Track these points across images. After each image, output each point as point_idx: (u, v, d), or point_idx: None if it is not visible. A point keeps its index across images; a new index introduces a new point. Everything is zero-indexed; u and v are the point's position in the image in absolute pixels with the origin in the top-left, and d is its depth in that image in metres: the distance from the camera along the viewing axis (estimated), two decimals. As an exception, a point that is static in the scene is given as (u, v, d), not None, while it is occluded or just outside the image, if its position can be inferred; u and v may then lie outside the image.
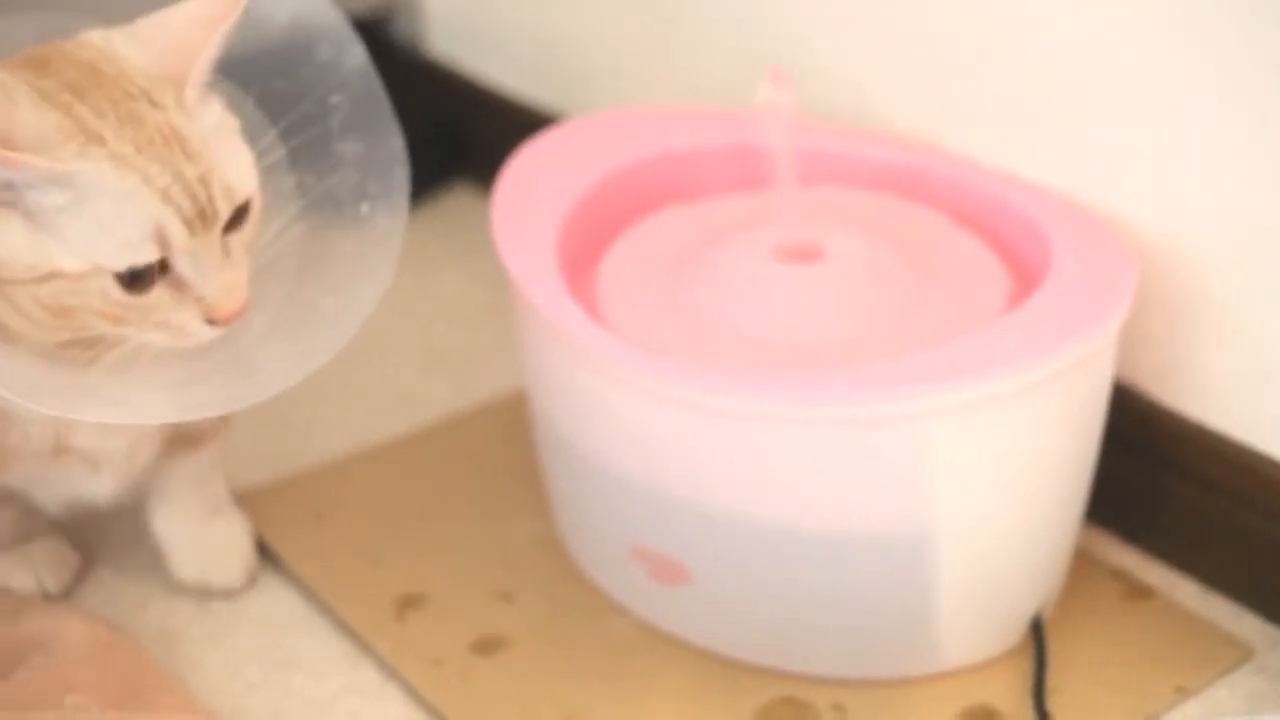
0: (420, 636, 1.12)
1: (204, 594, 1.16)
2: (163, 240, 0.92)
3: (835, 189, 1.16)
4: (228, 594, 1.16)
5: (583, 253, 1.13)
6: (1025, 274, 1.09)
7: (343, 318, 1.03)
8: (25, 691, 1.03)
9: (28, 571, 1.14)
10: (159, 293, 0.94)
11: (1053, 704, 1.05)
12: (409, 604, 1.14)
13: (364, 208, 1.06)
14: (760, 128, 1.11)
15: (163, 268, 0.93)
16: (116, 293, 0.93)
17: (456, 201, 1.59)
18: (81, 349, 0.96)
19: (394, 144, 1.06)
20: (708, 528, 1.04)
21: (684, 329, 1.06)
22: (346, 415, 1.33)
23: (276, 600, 1.16)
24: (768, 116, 1.09)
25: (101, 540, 1.20)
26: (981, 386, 0.97)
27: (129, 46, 0.97)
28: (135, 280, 0.93)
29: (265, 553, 1.19)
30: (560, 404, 1.09)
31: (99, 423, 1.01)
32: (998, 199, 1.13)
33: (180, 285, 0.94)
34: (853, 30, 1.24)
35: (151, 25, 0.97)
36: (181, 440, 1.12)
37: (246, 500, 1.22)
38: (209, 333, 0.96)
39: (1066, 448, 1.05)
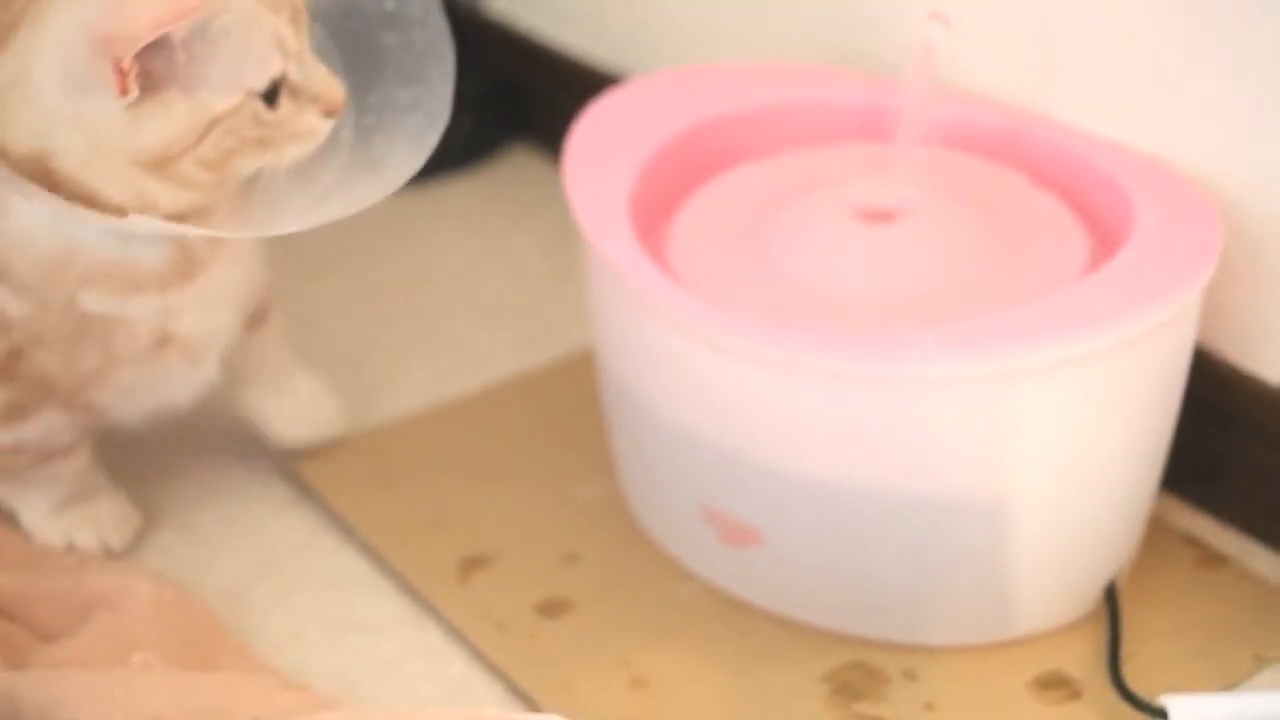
0: (484, 598, 1.11)
1: (316, 446, 1.21)
2: (283, 48, 0.96)
3: (916, 147, 1.14)
4: (335, 441, 1.22)
5: (657, 211, 1.12)
6: (1107, 234, 1.08)
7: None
8: (91, 648, 1.02)
9: (92, 529, 1.13)
10: (285, 103, 0.97)
11: (1127, 671, 1.03)
12: (473, 565, 1.13)
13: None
14: (852, 81, 1.09)
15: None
16: (265, 112, 0.96)
17: (518, 163, 1.58)
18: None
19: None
20: (782, 489, 1.03)
21: (759, 286, 1.05)
22: (410, 375, 1.32)
23: (340, 561, 1.15)
24: (920, 60, 1.06)
25: (164, 499, 1.19)
26: (1065, 347, 0.96)
27: None
28: (271, 96, 0.96)
29: (329, 514, 1.18)
30: (631, 362, 1.08)
31: (201, 302, 1.05)
32: (1079, 158, 1.11)
33: (295, 90, 0.98)
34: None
35: None
36: (253, 321, 1.14)
37: (308, 460, 1.21)
38: (327, 126, 1.00)
39: (1147, 411, 1.03)
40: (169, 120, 0.94)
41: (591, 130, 1.15)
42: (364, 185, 1.00)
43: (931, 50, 1.05)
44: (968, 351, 0.96)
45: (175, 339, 1.06)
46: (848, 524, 1.02)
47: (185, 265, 1.04)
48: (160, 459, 1.21)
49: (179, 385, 1.11)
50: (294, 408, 1.20)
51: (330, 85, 0.99)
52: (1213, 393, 1.11)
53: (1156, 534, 1.12)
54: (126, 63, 0.91)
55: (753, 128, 1.17)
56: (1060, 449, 1.00)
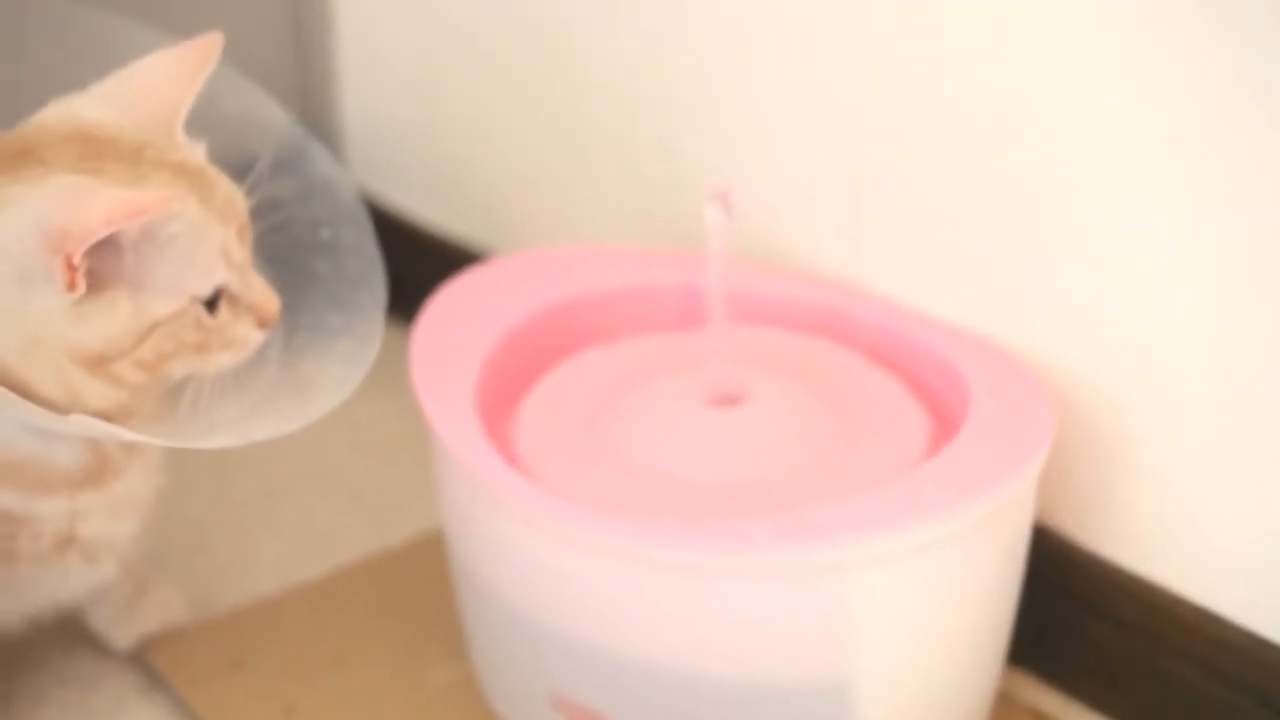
0: (336, 788, 1.10)
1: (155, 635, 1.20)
2: (228, 259, 0.98)
3: (755, 328, 1.16)
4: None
5: (503, 394, 1.13)
6: (945, 415, 1.10)
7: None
8: None
9: None
10: (223, 310, 0.99)
11: None
12: (325, 754, 1.12)
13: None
14: (701, 264, 1.12)
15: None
16: (206, 318, 0.98)
17: (374, 335, 1.58)
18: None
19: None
20: (628, 677, 1.03)
21: (604, 473, 1.06)
22: (266, 555, 1.31)
23: (188, 754, 1.14)
24: (712, 239, 1.09)
25: (10, 687, 1.17)
26: (901, 537, 0.97)
27: (98, 109, 0.99)
28: (212, 304, 0.98)
29: (179, 703, 1.16)
30: (477, 548, 1.08)
31: (109, 507, 1.05)
32: (916, 340, 1.13)
33: (233, 299, 0.99)
34: (769, 165, 1.24)
35: (117, 84, 1.01)
36: None
37: (164, 646, 1.20)
38: (260, 337, 1.01)
39: (988, 592, 1.05)
40: (112, 319, 0.95)
41: (439, 313, 1.16)
42: (296, 405, 1.02)
43: (718, 230, 1.08)
44: (803, 543, 0.97)
45: (78, 541, 1.05)
46: (695, 712, 1.03)
47: (99, 469, 1.04)
48: (6, 648, 1.19)
49: (72, 586, 1.09)
50: (136, 606, 1.19)
51: (268, 298, 1.01)
52: (1053, 569, 1.13)
53: (1004, 709, 1.13)
54: (77, 258, 0.92)
55: (603, 311, 1.19)
56: (901, 634, 1.01)
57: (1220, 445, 1.06)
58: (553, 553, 1.02)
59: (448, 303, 1.18)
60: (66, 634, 1.21)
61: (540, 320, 1.17)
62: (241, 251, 1.00)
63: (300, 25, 1.62)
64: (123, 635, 1.20)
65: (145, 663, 1.19)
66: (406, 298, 1.19)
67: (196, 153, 1.01)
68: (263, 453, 1.41)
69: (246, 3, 1.60)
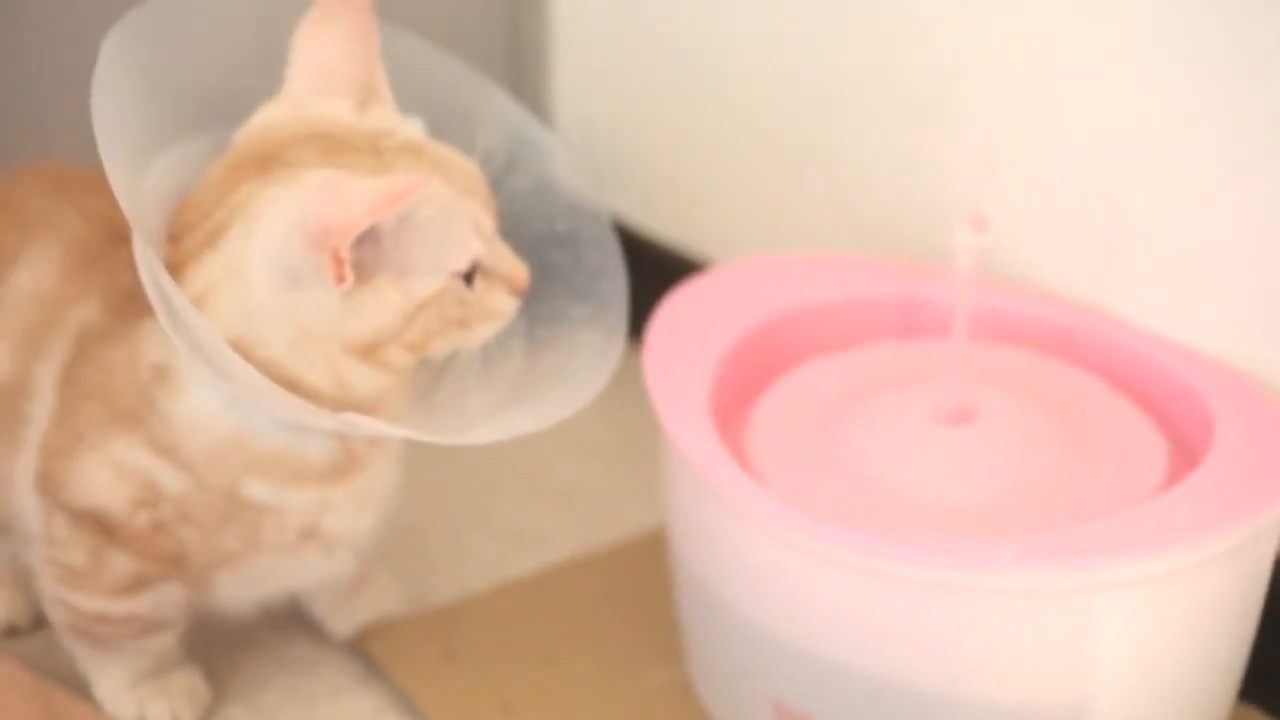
0: (550, 785, 1.11)
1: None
2: (478, 230, 0.99)
3: (992, 346, 1.15)
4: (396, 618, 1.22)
5: (734, 401, 1.13)
6: (1185, 443, 1.08)
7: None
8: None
9: (165, 702, 1.13)
10: (478, 282, 1.00)
11: None
12: (541, 751, 1.13)
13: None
14: (927, 276, 1.10)
15: None
16: (465, 292, 0.99)
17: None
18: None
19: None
20: (855, 690, 1.02)
21: (834, 484, 1.05)
22: (478, 551, 1.32)
23: (408, 742, 1.15)
24: (961, 261, 1.08)
25: (231, 672, 1.19)
26: (1148, 562, 0.96)
27: (304, 108, 1.01)
28: (469, 277, 0.99)
29: (395, 693, 1.17)
30: (706, 554, 1.08)
31: (353, 501, 1.07)
32: (1157, 364, 1.12)
33: (486, 271, 1.00)
34: (1015, 184, 1.23)
35: (295, 83, 1.02)
36: None
37: (380, 635, 1.21)
38: (514, 305, 1.03)
39: (1226, 624, 1.03)
40: (381, 307, 0.97)
41: (670, 320, 1.16)
42: (551, 398, 1.04)
43: (970, 253, 1.07)
44: (1047, 564, 0.96)
45: (320, 533, 1.07)
46: (921, 728, 1.02)
47: (347, 463, 1.06)
48: (229, 630, 1.21)
49: (308, 575, 1.12)
50: (357, 596, 1.21)
51: (516, 266, 1.02)
52: (1284, 601, 1.11)
53: (1231, 743, 1.11)
54: (344, 252, 0.93)
55: (831, 321, 1.19)
56: (1137, 662, 1.00)
57: None
58: (785, 560, 1.01)
59: (679, 308, 1.18)
60: (287, 620, 1.22)
61: (770, 327, 1.17)
62: (488, 222, 1.01)
63: (517, 23, 1.63)
64: (342, 623, 1.21)
65: (362, 651, 1.20)
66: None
67: (418, 130, 1.02)
68: (475, 451, 1.43)
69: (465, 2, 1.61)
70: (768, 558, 1.02)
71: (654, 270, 1.27)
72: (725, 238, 1.48)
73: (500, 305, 1.02)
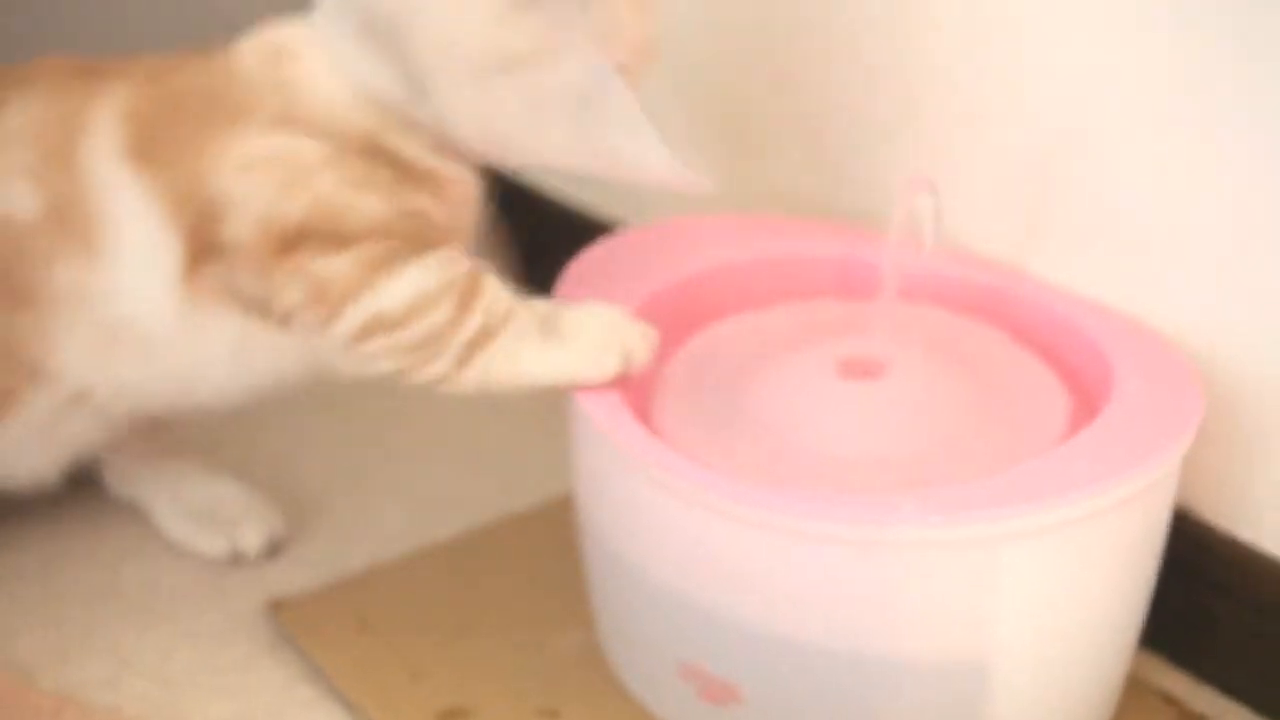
0: (463, 751, 1.10)
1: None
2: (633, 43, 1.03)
3: (902, 304, 1.15)
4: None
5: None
6: (1087, 394, 1.09)
7: None
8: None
9: None
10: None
11: (1108, 833, 1.04)
12: (452, 718, 1.12)
13: None
14: (841, 236, 1.10)
15: None
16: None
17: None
18: None
19: None
20: (763, 649, 1.02)
21: (743, 443, 1.05)
22: (392, 519, 1.31)
23: (318, 713, 1.14)
24: (896, 221, 1.08)
25: (140, 643, 1.18)
26: (1049, 512, 0.96)
27: None
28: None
29: (306, 662, 1.17)
30: (612, 516, 1.08)
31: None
32: (1061, 318, 1.12)
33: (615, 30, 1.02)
34: (938, 150, 1.23)
35: None
36: None
37: (287, 606, 1.20)
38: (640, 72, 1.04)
39: (1126, 573, 1.04)
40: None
41: (578, 281, 1.16)
42: None
43: (917, 216, 1.07)
44: (950, 516, 0.96)
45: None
46: (828, 685, 1.02)
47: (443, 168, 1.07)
48: (137, 600, 1.20)
49: None
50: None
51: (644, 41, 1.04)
52: (1188, 551, 1.12)
53: (1135, 692, 1.12)
54: None
55: (740, 281, 1.18)
56: (1040, 612, 1.01)
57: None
58: (690, 521, 1.01)
59: (586, 269, 1.17)
60: (196, 590, 1.22)
61: (682, 288, 1.16)
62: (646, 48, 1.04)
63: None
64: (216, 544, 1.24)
65: (273, 621, 1.20)
66: (537, 266, 1.19)
67: None
68: (394, 417, 1.43)
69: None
70: (669, 516, 1.02)
71: (564, 231, 1.27)
72: (639, 200, 1.47)
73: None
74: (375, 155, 1.03)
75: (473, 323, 1.04)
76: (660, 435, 1.06)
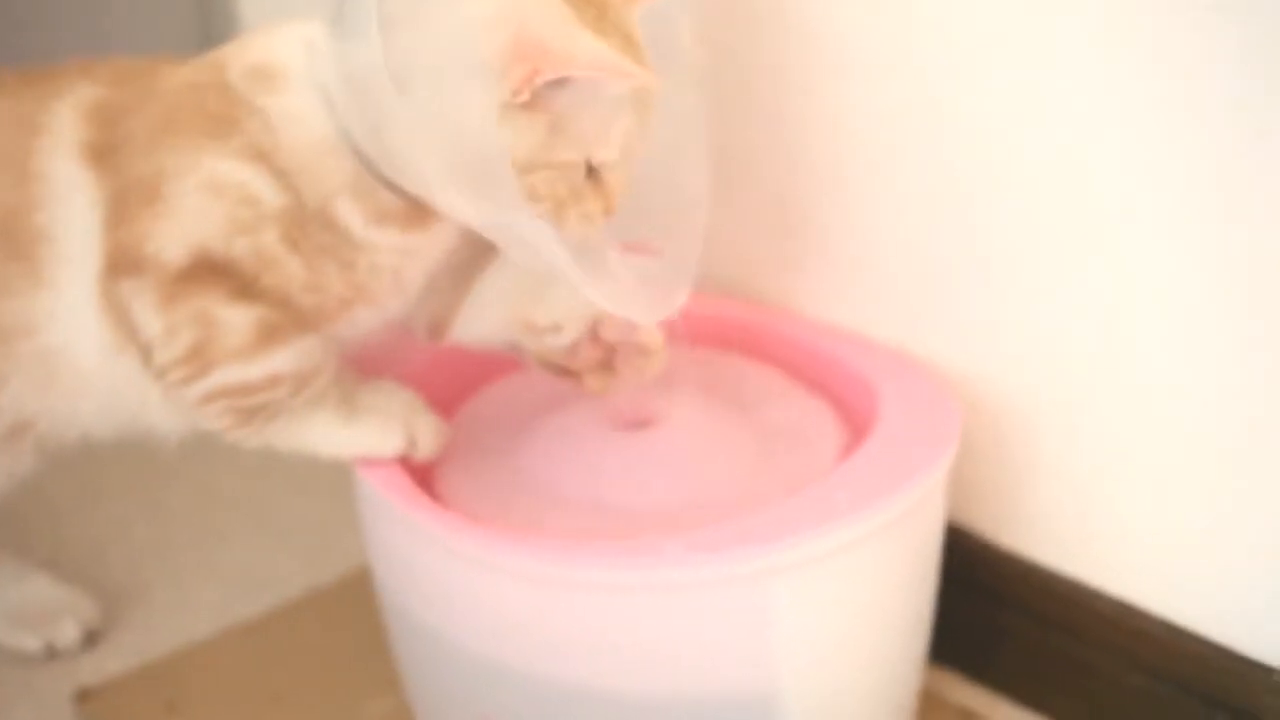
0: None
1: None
2: (624, 140, 0.99)
3: (672, 349, 1.18)
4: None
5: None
6: (857, 424, 1.12)
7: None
8: None
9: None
10: (589, 184, 1.00)
11: None
12: (263, 792, 1.14)
13: None
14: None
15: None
16: (581, 180, 0.99)
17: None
18: None
19: None
20: (553, 699, 1.04)
21: (520, 500, 1.07)
22: (203, 597, 1.32)
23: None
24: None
25: None
26: (811, 543, 0.99)
27: None
28: (590, 172, 0.99)
29: (114, 748, 1.18)
30: (400, 578, 1.09)
31: (430, 249, 1.06)
32: (826, 353, 1.15)
33: (598, 181, 1.00)
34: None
35: None
36: None
37: (96, 695, 1.21)
38: (599, 222, 1.01)
39: (905, 594, 1.07)
40: (521, 141, 0.96)
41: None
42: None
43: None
44: (714, 554, 0.98)
45: (403, 284, 1.06)
46: (622, 728, 1.04)
47: (416, 213, 1.03)
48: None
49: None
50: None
51: (615, 195, 1.01)
52: (971, 568, 1.15)
53: (930, 708, 1.15)
54: (544, 79, 0.93)
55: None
56: (821, 640, 1.03)
57: (1126, 441, 1.08)
58: (471, 578, 1.03)
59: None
60: (6, 683, 1.22)
61: (454, 352, 1.18)
62: (635, 142, 1.01)
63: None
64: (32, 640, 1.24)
65: (82, 712, 1.20)
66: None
67: (636, 28, 1.00)
68: (196, 497, 1.43)
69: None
70: (450, 577, 1.04)
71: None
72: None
73: (594, 215, 1.00)
74: (322, 217, 1.02)
75: (295, 402, 1.06)
76: (440, 497, 1.08)
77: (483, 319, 1.12)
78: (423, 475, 1.10)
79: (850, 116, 1.14)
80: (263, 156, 1.00)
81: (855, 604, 1.04)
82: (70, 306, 1.04)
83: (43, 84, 1.06)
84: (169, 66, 1.05)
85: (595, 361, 1.10)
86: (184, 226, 1.01)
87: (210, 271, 1.01)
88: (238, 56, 1.03)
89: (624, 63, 0.94)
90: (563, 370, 1.11)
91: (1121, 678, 1.11)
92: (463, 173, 0.96)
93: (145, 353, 1.03)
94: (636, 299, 1.02)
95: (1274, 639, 1.05)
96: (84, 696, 1.21)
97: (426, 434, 1.08)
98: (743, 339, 1.19)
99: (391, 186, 1.01)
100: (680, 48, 1.06)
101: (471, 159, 0.96)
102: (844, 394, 1.14)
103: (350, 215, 1.02)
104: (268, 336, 1.03)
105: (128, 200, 1.02)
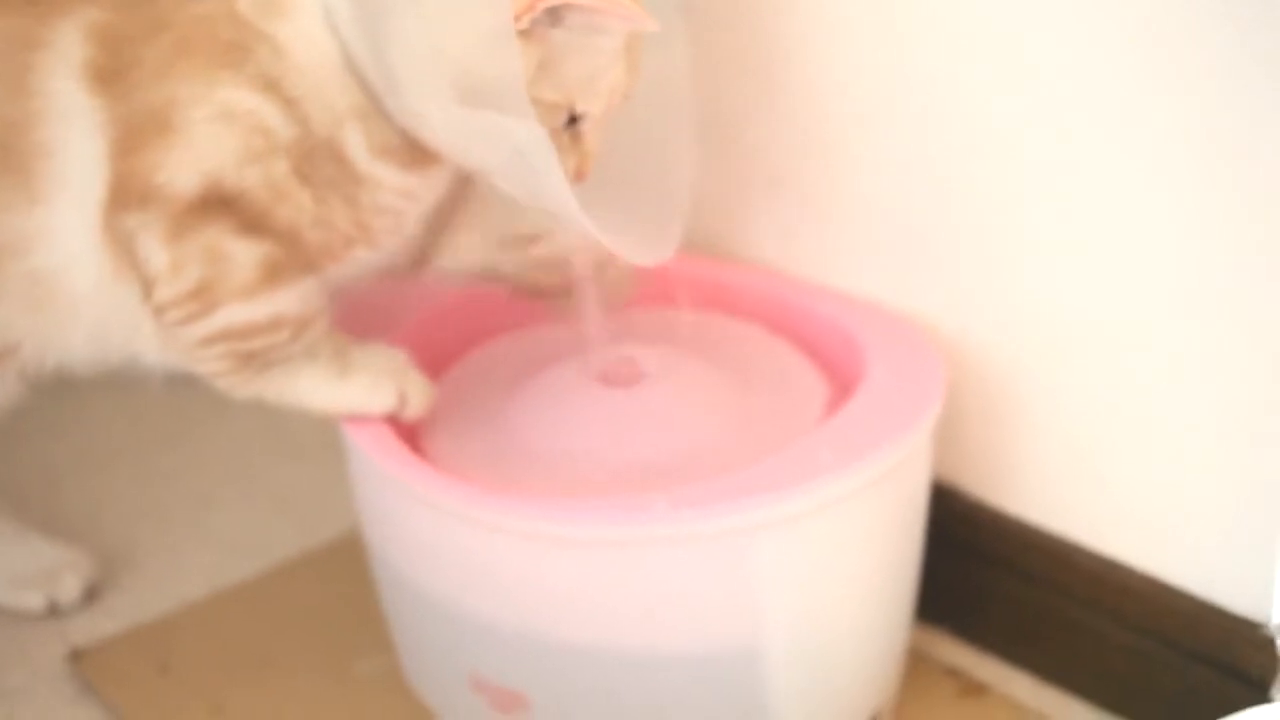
0: (268, 783, 1.12)
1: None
2: (608, 97, 0.99)
3: (652, 309, 1.18)
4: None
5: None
6: (843, 381, 1.12)
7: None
8: None
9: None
10: (565, 137, 1.00)
11: (896, 805, 1.07)
12: (255, 752, 1.14)
13: None
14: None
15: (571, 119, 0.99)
16: (559, 130, 0.99)
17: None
18: None
19: None
20: (542, 656, 1.05)
21: (508, 458, 1.08)
22: (195, 561, 1.33)
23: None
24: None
25: None
26: (797, 499, 0.99)
27: None
28: (570, 122, 0.99)
29: (110, 709, 1.18)
30: (389, 537, 1.10)
31: (428, 191, 1.06)
32: (812, 309, 1.16)
33: (576, 137, 1.00)
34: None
35: None
36: None
37: (90, 655, 1.21)
38: (574, 182, 1.00)
39: (890, 550, 1.07)
40: (527, 63, 0.95)
41: (353, 309, 1.18)
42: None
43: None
44: (702, 510, 0.99)
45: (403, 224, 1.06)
46: (609, 686, 1.05)
47: (416, 153, 1.03)
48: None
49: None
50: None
51: (592, 157, 1.01)
52: (959, 526, 1.16)
53: (918, 667, 1.16)
54: (544, 6, 0.94)
55: (500, 304, 1.21)
56: (807, 596, 1.04)
57: (1111, 397, 1.08)
58: (459, 536, 1.04)
59: (363, 298, 1.19)
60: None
61: (443, 315, 1.19)
62: (619, 96, 1.00)
63: None
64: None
65: (76, 673, 1.21)
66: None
67: None
68: (189, 462, 1.44)
69: None
70: (439, 534, 1.05)
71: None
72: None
73: (566, 173, 0.99)
74: (329, 147, 1.01)
75: (293, 349, 1.06)
76: (429, 457, 1.08)
77: (463, 244, 1.12)
78: (410, 434, 1.10)
79: (837, 76, 1.15)
80: (272, 86, 1.00)
81: (842, 560, 1.04)
82: (66, 229, 1.03)
83: (44, 2, 1.04)
84: None
85: (567, 282, 1.10)
86: (196, 155, 1.00)
87: (220, 203, 1.01)
88: None
89: (628, 4, 0.94)
90: (535, 291, 1.12)
91: (1108, 634, 1.12)
92: (466, 86, 0.95)
93: (146, 287, 1.03)
94: (627, 234, 1.01)
95: (1258, 594, 1.06)
96: (77, 657, 1.21)
97: (416, 393, 1.09)
98: (727, 297, 1.20)
99: (391, 121, 1.01)
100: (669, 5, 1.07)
101: (476, 73, 0.95)
102: (829, 350, 1.14)
103: (356, 145, 1.02)
104: (272, 275, 1.03)
105: (136, 129, 1.01)
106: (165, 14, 1.02)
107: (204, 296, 1.02)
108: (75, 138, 1.02)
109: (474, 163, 1.02)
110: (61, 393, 1.20)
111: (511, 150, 0.96)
